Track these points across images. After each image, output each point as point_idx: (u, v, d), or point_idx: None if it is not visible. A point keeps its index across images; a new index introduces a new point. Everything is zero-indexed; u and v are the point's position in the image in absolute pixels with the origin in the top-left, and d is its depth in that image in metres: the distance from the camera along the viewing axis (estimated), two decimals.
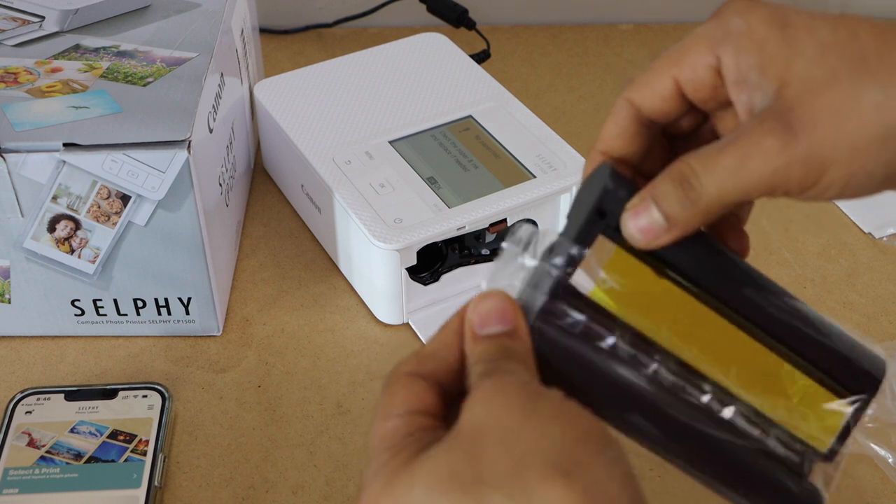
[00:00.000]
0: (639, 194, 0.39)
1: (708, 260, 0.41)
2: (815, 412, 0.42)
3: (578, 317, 0.39)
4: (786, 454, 0.41)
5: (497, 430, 0.34)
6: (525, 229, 0.40)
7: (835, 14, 0.38)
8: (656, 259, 0.40)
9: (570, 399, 0.36)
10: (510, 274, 0.40)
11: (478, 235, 0.67)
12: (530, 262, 0.39)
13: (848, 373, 0.43)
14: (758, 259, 0.72)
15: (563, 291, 0.39)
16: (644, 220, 0.38)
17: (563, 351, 0.39)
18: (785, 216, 0.76)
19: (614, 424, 0.39)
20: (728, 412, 0.40)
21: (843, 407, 0.43)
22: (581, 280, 0.39)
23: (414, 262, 0.64)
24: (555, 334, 0.39)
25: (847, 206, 0.77)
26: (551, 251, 0.39)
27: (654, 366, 0.39)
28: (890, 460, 0.59)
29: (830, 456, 0.43)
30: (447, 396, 0.39)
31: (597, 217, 0.39)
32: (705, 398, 0.40)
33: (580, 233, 0.39)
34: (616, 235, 0.39)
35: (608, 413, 0.39)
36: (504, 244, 0.40)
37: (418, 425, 0.37)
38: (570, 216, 0.41)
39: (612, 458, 0.34)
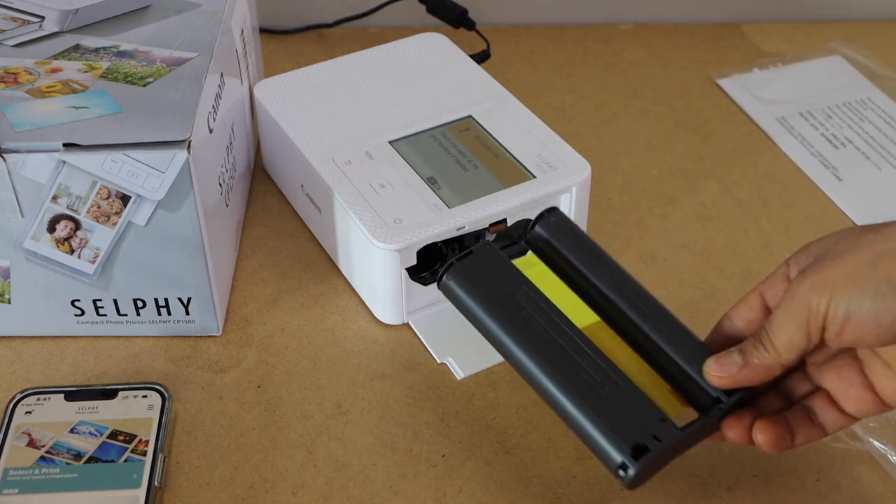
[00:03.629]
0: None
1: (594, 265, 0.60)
2: (661, 392, 0.56)
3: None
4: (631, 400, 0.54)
5: None
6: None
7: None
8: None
9: None
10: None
11: (478, 235, 0.67)
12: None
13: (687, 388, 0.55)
14: (758, 259, 0.72)
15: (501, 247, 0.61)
16: (725, 360, 0.53)
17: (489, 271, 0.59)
18: (785, 216, 0.76)
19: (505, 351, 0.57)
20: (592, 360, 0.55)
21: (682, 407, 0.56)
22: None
23: (414, 262, 0.64)
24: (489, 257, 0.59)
25: (847, 206, 0.77)
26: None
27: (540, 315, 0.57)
28: (890, 457, 0.59)
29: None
30: None
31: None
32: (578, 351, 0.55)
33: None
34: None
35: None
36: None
37: None
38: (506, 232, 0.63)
39: None
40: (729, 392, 0.54)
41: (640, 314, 0.57)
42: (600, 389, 0.53)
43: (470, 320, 0.58)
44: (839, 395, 0.53)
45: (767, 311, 0.55)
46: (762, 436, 0.53)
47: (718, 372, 0.53)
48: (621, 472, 0.51)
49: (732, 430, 0.54)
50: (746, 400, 0.54)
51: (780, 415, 0.54)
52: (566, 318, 0.57)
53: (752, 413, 0.54)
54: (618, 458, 0.51)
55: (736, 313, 0.56)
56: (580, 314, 0.58)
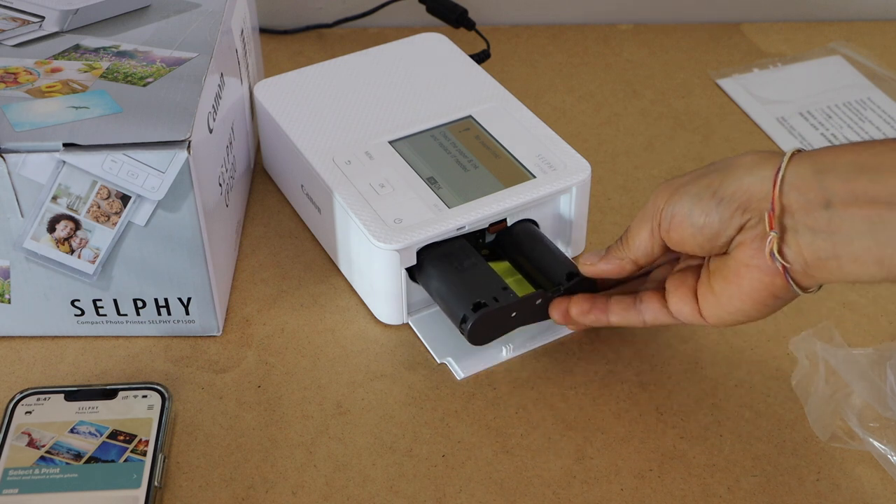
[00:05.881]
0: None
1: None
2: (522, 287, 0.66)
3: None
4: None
5: None
6: None
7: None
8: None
9: None
10: None
11: (478, 235, 0.67)
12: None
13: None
14: None
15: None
16: (593, 253, 0.62)
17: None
18: None
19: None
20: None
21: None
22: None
23: (414, 262, 0.64)
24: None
25: None
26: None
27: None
28: (890, 457, 0.59)
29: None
30: None
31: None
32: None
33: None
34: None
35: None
36: None
37: None
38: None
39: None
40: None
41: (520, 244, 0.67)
42: (460, 267, 0.63)
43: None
44: (670, 290, 0.59)
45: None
46: (575, 308, 0.62)
47: (587, 260, 0.62)
48: (463, 325, 0.61)
49: (556, 309, 0.63)
50: (584, 288, 0.63)
51: (601, 294, 0.63)
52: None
53: (577, 297, 0.63)
54: (461, 312, 0.61)
55: None
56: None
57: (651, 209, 0.57)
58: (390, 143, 0.70)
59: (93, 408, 0.60)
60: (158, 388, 0.61)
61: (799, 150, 0.53)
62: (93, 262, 0.62)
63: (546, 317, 0.64)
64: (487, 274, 0.63)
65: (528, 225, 0.67)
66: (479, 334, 0.62)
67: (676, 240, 0.56)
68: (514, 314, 0.62)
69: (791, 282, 0.53)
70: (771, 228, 0.52)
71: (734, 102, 0.88)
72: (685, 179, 0.56)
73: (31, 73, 0.63)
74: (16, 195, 0.59)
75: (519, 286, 0.65)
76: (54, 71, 0.63)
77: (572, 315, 0.62)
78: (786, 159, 0.52)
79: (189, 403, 0.62)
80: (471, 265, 0.64)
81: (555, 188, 0.67)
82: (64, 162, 0.58)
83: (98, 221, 0.60)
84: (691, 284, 0.59)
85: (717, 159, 0.57)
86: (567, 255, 0.70)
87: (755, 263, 0.54)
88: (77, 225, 0.60)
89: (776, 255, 0.52)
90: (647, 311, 0.61)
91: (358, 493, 0.57)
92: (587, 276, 0.62)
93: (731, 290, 0.55)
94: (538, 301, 0.63)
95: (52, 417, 0.59)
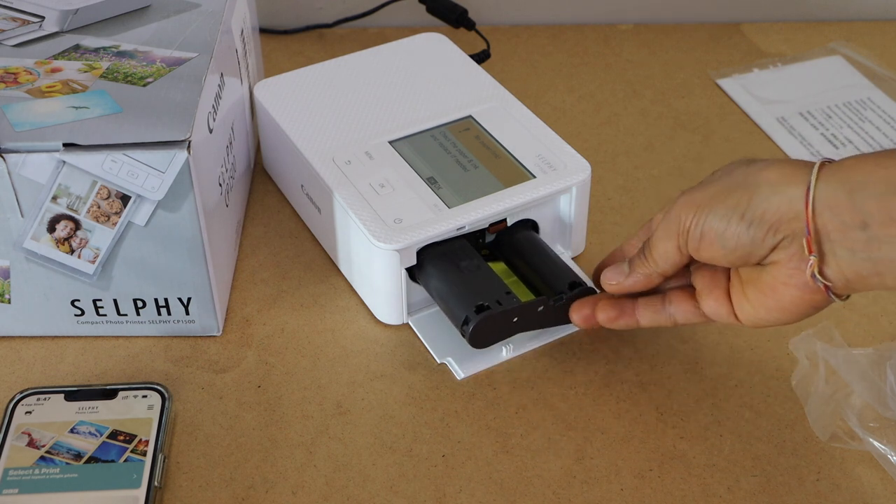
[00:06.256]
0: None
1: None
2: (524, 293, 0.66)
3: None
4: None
5: None
6: None
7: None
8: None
9: None
10: None
11: (478, 235, 0.67)
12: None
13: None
14: None
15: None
16: (616, 269, 0.61)
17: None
18: None
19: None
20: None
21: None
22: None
23: (414, 262, 0.64)
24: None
25: None
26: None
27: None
28: (890, 457, 0.59)
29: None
30: None
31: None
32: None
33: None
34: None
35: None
36: None
37: None
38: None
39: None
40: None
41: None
42: (465, 270, 0.63)
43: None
44: (703, 292, 0.59)
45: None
46: (602, 315, 0.61)
47: (611, 279, 0.61)
48: (464, 327, 0.61)
49: (577, 313, 0.62)
50: (588, 294, 0.63)
51: (625, 298, 0.62)
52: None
53: (596, 298, 0.63)
54: (462, 313, 0.61)
55: (629, 245, 0.64)
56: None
57: (675, 226, 0.56)
58: (390, 143, 0.70)
59: (93, 408, 0.60)
60: (158, 388, 0.61)
61: (825, 162, 0.52)
62: (93, 262, 0.62)
63: (545, 325, 0.64)
64: (489, 276, 0.63)
65: (529, 232, 0.68)
66: (481, 337, 0.62)
67: (707, 257, 0.55)
68: (515, 319, 0.62)
69: (833, 297, 0.53)
70: (810, 252, 0.51)
71: (734, 102, 0.88)
72: (708, 195, 0.54)
73: (31, 73, 0.63)
74: (16, 195, 0.59)
75: (515, 288, 0.65)
76: (54, 71, 0.63)
77: (599, 321, 0.62)
78: (814, 177, 0.51)
79: (189, 403, 0.62)
80: (472, 266, 0.64)
81: (555, 188, 0.67)
82: (64, 162, 0.58)
83: (98, 221, 0.60)
84: (724, 286, 0.58)
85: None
86: (567, 256, 0.70)
87: (794, 283, 0.53)
88: (77, 225, 0.60)
89: (818, 276, 0.52)
90: (678, 313, 0.60)
91: (358, 493, 0.57)
92: (613, 293, 0.61)
93: (768, 302, 0.55)
94: (540, 308, 0.62)
95: (52, 417, 0.59)
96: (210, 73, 0.63)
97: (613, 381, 0.64)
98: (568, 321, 0.64)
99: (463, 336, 0.62)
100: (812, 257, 0.51)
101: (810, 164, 0.52)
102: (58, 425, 0.59)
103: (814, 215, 0.51)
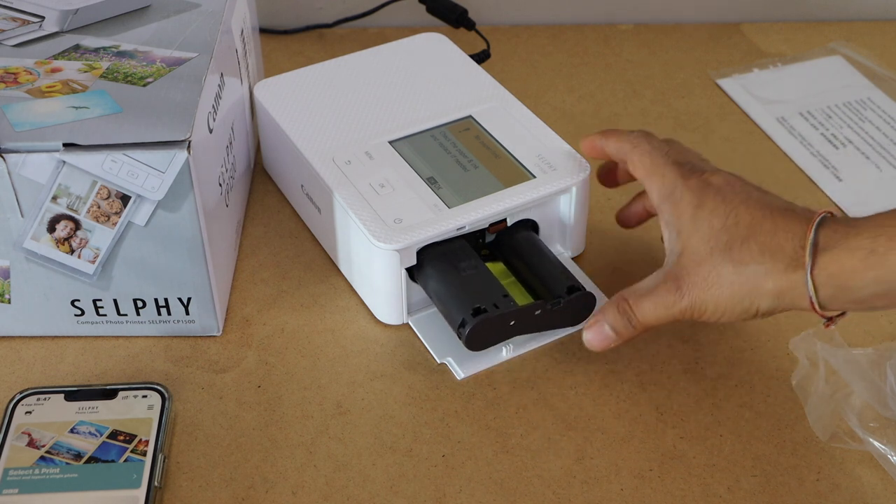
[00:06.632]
0: (594, 317, 0.61)
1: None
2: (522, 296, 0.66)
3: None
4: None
5: None
6: None
7: (739, 197, 0.58)
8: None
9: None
10: None
11: (478, 235, 0.67)
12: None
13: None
14: None
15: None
16: (599, 334, 0.61)
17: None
18: None
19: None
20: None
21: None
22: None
23: (414, 262, 0.64)
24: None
25: (847, 206, 0.77)
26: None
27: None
28: (890, 457, 0.59)
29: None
30: None
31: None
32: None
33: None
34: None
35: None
36: None
37: None
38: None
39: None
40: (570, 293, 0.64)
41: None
42: (464, 271, 0.63)
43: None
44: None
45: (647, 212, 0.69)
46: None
47: (598, 346, 0.61)
48: (461, 330, 0.61)
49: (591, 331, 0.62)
50: (583, 304, 0.64)
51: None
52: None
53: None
54: (459, 316, 0.61)
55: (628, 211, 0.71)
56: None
57: (668, 304, 0.58)
58: (390, 143, 0.70)
59: (93, 408, 0.60)
60: (158, 388, 0.61)
61: (814, 254, 0.54)
62: (93, 262, 0.62)
63: (542, 328, 0.64)
64: (488, 279, 0.63)
65: (529, 233, 0.68)
66: (477, 340, 0.62)
67: (714, 320, 0.59)
68: (512, 322, 0.62)
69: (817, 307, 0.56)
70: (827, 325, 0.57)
71: (734, 102, 0.88)
72: (709, 293, 0.57)
73: (31, 73, 0.63)
74: (16, 195, 0.59)
75: (513, 289, 0.65)
76: (54, 71, 0.63)
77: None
78: (811, 287, 0.54)
79: (189, 403, 0.62)
80: (471, 268, 0.64)
81: (555, 188, 0.67)
82: (64, 162, 0.58)
83: (98, 221, 0.60)
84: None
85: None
86: (566, 256, 0.70)
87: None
88: (77, 225, 0.60)
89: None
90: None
91: (358, 493, 0.57)
92: (599, 351, 0.62)
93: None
94: (537, 311, 0.63)
95: (52, 417, 0.59)
96: (210, 73, 0.63)
97: (613, 381, 0.64)
98: (565, 324, 0.64)
99: (459, 338, 0.62)
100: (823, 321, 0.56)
101: (803, 260, 0.54)
102: (58, 425, 0.59)
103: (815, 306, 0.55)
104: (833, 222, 0.55)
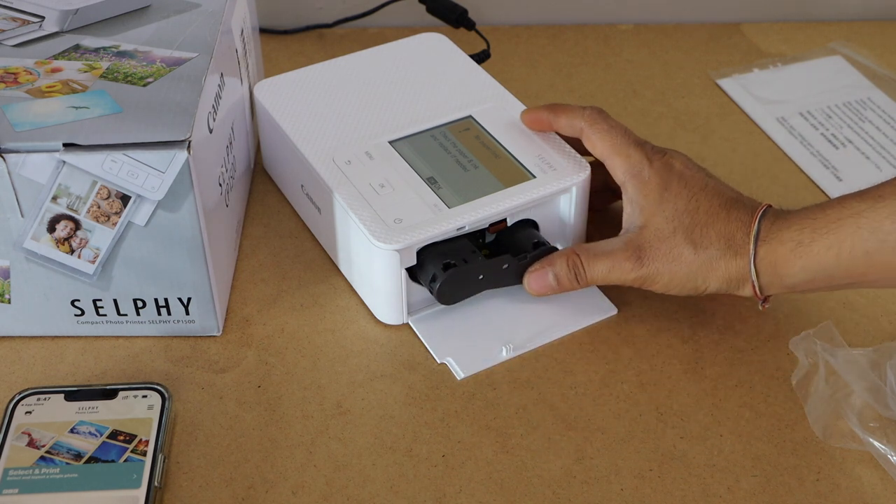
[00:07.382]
0: (540, 262, 0.66)
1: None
2: None
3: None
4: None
5: None
6: None
7: (699, 184, 0.64)
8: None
9: None
10: None
11: (478, 235, 0.67)
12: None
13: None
14: None
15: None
16: (542, 279, 0.66)
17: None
18: None
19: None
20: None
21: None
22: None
23: (414, 262, 0.64)
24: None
25: None
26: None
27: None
28: (890, 457, 0.59)
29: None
30: None
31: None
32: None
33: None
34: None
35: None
36: None
37: None
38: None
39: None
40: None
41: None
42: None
43: None
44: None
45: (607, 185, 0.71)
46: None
47: (535, 290, 0.66)
48: (432, 284, 0.64)
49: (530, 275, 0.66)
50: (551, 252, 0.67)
51: None
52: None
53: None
54: (431, 272, 0.64)
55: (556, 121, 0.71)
56: None
57: (618, 269, 0.64)
58: (390, 143, 0.70)
59: (93, 408, 0.60)
60: (158, 388, 0.61)
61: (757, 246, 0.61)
62: (93, 262, 0.62)
63: (511, 283, 0.67)
64: (464, 245, 0.65)
65: (530, 230, 0.68)
66: (448, 292, 0.64)
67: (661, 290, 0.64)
68: (481, 276, 0.65)
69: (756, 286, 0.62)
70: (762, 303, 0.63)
71: (734, 102, 0.88)
72: (661, 275, 0.63)
73: (31, 73, 0.63)
74: (16, 195, 0.59)
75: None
76: (54, 71, 0.63)
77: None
78: (755, 280, 0.61)
79: (189, 403, 0.62)
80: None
81: (555, 188, 0.67)
82: (64, 162, 0.58)
83: (98, 221, 0.60)
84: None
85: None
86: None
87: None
88: (77, 225, 0.60)
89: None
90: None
91: (358, 493, 0.57)
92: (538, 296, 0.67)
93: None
94: (504, 266, 0.65)
95: (52, 417, 0.59)
96: (210, 73, 0.63)
97: (613, 381, 0.64)
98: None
99: (432, 294, 0.64)
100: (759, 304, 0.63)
101: (748, 249, 0.61)
102: (58, 425, 0.59)
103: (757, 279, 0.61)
104: (772, 214, 0.61)
